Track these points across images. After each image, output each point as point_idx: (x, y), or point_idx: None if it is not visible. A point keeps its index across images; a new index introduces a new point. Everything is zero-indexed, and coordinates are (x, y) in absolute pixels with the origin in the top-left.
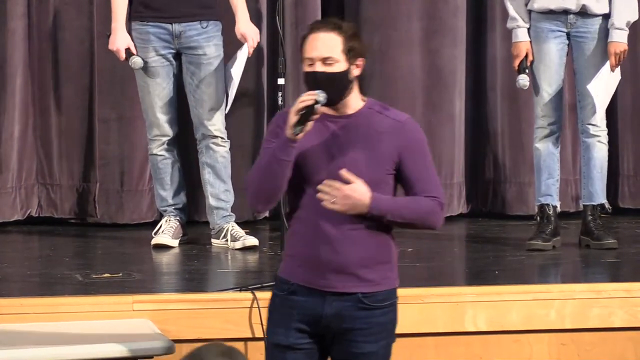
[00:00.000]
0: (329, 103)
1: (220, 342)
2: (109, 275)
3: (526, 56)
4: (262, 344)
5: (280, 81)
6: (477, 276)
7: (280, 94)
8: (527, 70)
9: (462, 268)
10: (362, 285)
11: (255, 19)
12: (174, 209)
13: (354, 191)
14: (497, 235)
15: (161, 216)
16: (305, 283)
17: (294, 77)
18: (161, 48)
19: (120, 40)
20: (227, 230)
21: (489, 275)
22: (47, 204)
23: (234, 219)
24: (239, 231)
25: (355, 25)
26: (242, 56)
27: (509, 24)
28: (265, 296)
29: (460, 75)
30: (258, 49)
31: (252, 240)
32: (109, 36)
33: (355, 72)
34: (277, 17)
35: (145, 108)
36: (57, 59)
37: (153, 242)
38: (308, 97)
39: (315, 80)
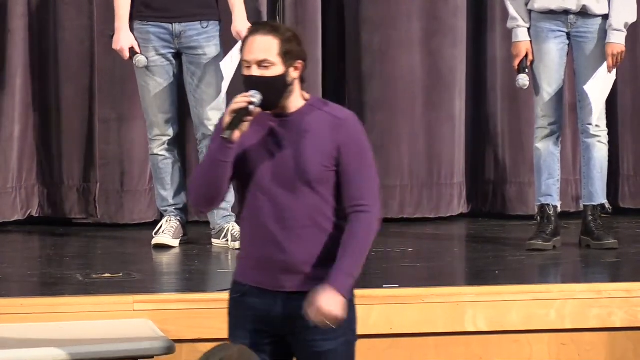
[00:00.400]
0: (265, 107)
1: (230, 344)
2: (109, 275)
3: (526, 56)
4: None
5: None
6: (477, 276)
7: None
8: (527, 70)
9: (462, 268)
10: (312, 283)
11: (255, 19)
12: (174, 209)
13: (327, 306)
14: (497, 235)
15: (162, 216)
16: (257, 284)
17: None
18: (161, 47)
19: (124, 39)
20: (228, 230)
21: (489, 275)
22: (48, 204)
23: (234, 219)
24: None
25: (294, 29)
26: (236, 54)
27: (509, 24)
28: None
29: (460, 75)
30: None
31: None
32: (111, 36)
33: (294, 74)
34: (278, 17)
35: (146, 107)
36: (57, 59)
37: (154, 242)
38: (242, 99)
39: (251, 84)
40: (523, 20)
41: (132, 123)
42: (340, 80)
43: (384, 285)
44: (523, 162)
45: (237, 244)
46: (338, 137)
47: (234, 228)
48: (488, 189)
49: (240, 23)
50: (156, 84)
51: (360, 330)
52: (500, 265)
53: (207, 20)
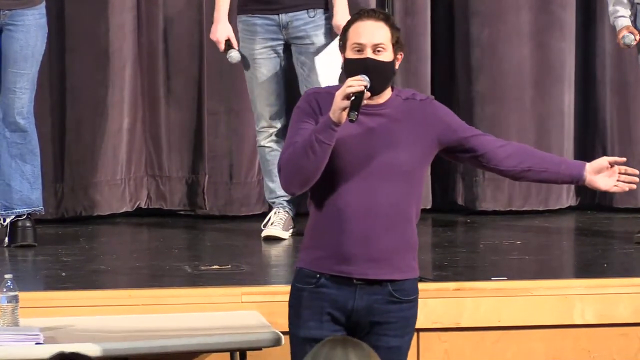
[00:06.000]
0: (371, 93)
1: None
2: (217, 267)
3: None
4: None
5: None
6: (586, 269)
7: None
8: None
9: (570, 261)
10: (392, 272)
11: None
12: (282, 200)
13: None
14: (605, 228)
15: (270, 208)
16: (335, 272)
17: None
18: (269, 40)
19: (221, 30)
20: None
21: (598, 268)
22: (156, 196)
23: None
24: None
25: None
26: (334, 49)
27: (611, 20)
28: None
29: (569, 68)
30: None
31: None
32: None
33: (397, 65)
34: (387, 9)
35: (253, 99)
36: (166, 51)
37: (264, 234)
38: (357, 82)
39: (363, 67)
40: (623, 9)
41: (240, 115)
42: (450, 73)
43: (492, 278)
44: (632, 156)
45: None
46: (434, 120)
47: None
48: None
49: (342, 18)
50: (263, 76)
51: (468, 323)
52: (608, 258)
53: (313, 9)
